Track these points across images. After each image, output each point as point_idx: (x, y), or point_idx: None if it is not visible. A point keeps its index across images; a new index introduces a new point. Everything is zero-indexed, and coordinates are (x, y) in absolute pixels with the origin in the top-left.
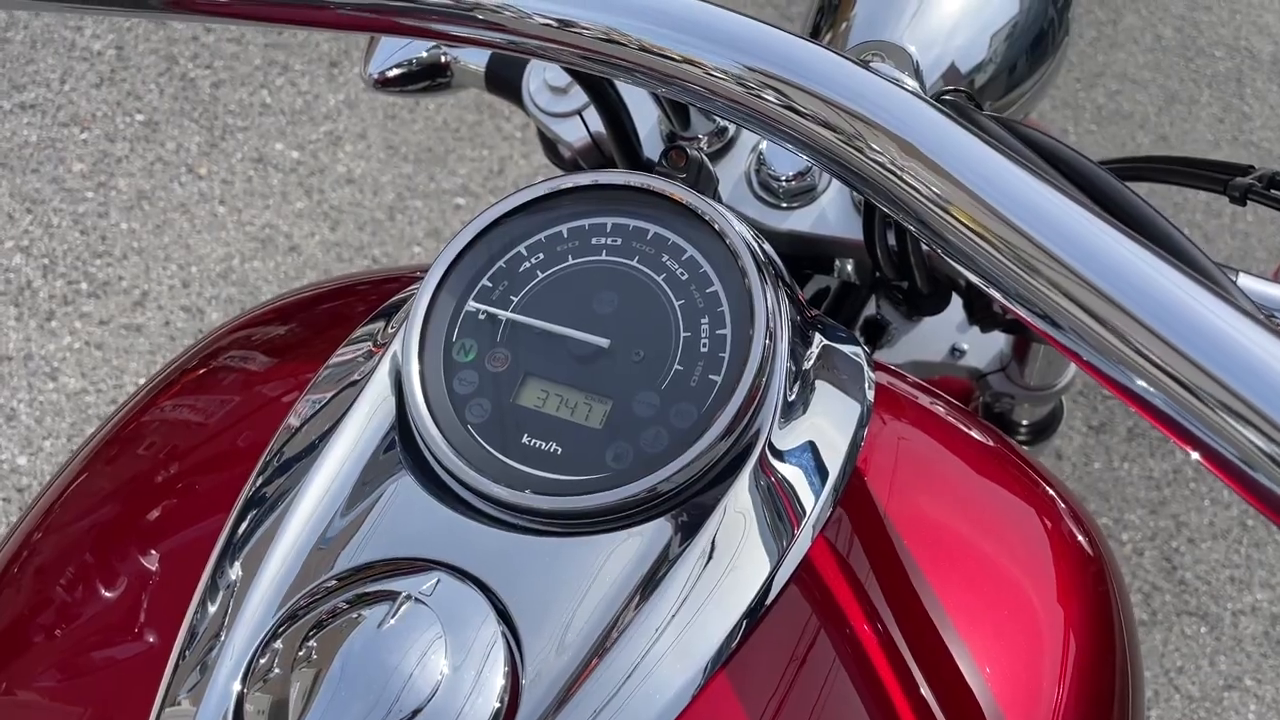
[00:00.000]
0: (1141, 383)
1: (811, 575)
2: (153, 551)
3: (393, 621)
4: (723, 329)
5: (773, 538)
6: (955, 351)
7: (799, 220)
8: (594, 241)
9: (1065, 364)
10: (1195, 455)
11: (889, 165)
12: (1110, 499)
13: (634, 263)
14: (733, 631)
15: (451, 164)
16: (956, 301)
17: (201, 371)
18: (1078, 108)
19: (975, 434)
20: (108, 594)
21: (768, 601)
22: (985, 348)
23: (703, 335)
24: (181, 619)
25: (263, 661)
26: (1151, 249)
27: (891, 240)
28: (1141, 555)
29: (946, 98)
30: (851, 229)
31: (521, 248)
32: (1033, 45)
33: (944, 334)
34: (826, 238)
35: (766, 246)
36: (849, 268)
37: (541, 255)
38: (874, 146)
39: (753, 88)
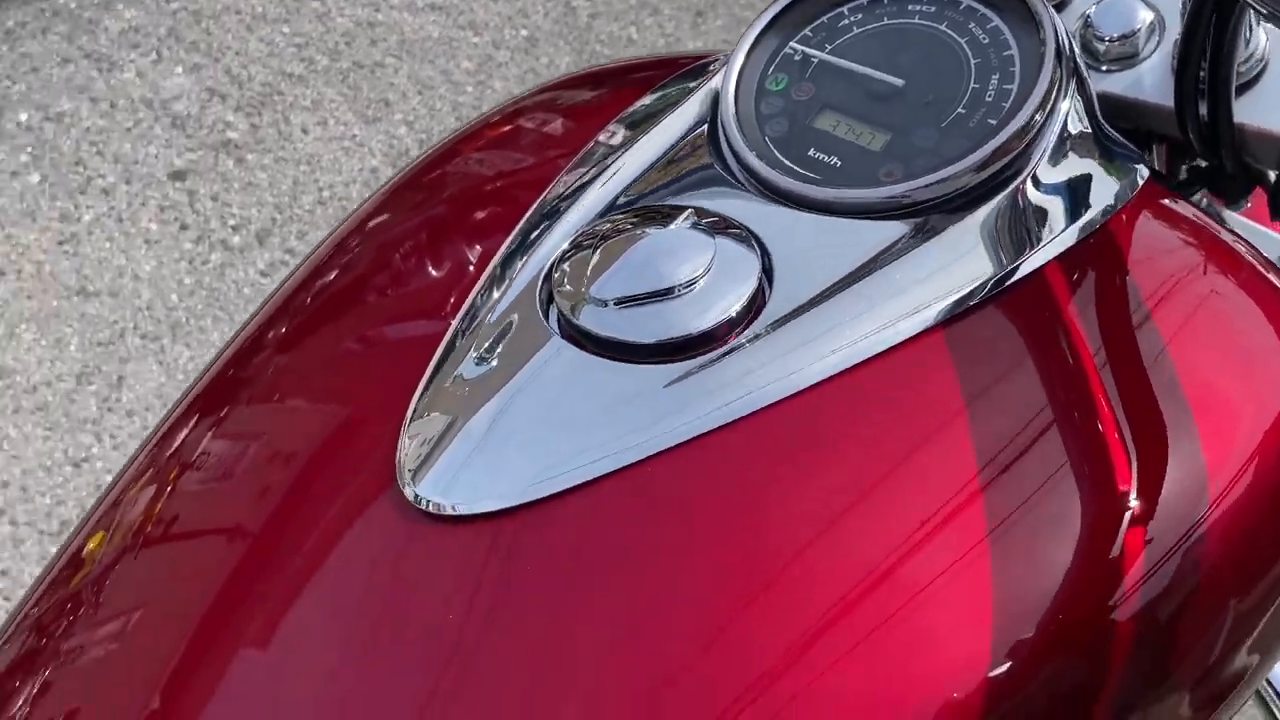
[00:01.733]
0: None
1: (1038, 303)
2: (444, 257)
3: (675, 226)
4: (1010, 85)
5: (1006, 249)
6: None
7: (1114, 83)
8: (910, 7)
9: None
10: None
11: None
12: None
13: (942, 26)
14: (942, 312)
15: None
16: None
17: (506, 128)
18: None
19: (1246, 255)
20: (404, 286)
21: (982, 295)
22: None
23: (990, 88)
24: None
25: (556, 276)
26: None
27: (1203, 109)
28: None
29: None
30: (1165, 98)
31: (844, 8)
32: None
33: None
34: (1139, 102)
35: (1074, 45)
36: (1158, 158)
37: (860, 15)
38: None
39: None
